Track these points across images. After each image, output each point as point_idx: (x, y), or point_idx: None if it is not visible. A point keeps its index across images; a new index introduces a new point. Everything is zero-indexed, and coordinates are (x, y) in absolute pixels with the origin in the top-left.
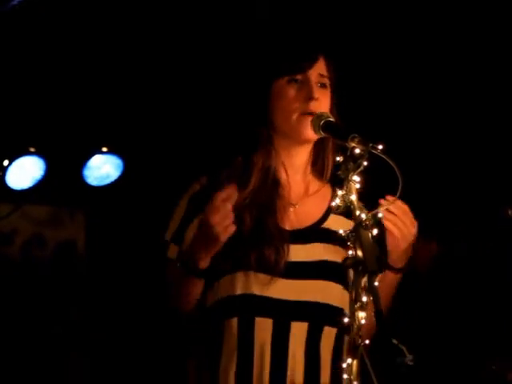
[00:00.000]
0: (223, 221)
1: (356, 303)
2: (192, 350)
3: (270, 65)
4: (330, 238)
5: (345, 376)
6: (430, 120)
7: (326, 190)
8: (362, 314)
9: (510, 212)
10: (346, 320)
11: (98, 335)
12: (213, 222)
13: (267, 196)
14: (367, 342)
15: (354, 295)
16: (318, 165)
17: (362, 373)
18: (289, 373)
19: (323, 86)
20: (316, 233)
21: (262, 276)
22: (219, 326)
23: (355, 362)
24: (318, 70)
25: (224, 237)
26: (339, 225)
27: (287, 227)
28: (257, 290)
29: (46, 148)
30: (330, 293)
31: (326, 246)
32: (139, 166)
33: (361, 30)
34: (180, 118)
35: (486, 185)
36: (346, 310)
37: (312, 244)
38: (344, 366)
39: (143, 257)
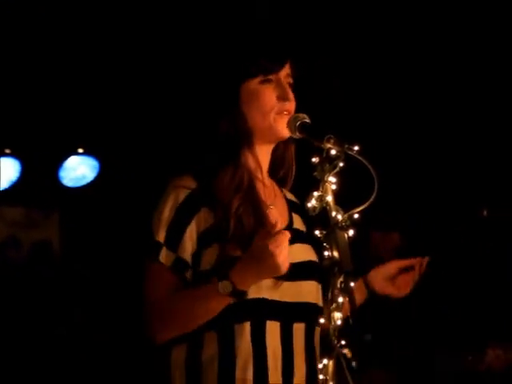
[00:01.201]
0: (285, 252)
1: (332, 304)
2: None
3: (243, 65)
4: (303, 238)
5: (321, 376)
6: (404, 119)
7: (276, 187)
8: (337, 315)
9: (485, 212)
10: (321, 321)
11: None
12: (277, 254)
13: (255, 198)
14: (343, 342)
15: (330, 296)
16: (279, 168)
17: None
18: (295, 375)
19: (290, 85)
20: (292, 233)
21: (269, 279)
22: (229, 330)
23: (331, 362)
24: (287, 70)
25: (285, 269)
26: (300, 225)
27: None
28: (267, 294)
29: (22, 149)
30: (317, 292)
31: (303, 246)
32: (115, 167)
33: (324, 27)
34: (155, 119)
35: (455, 183)
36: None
37: (294, 245)
38: (320, 366)
39: (118, 257)
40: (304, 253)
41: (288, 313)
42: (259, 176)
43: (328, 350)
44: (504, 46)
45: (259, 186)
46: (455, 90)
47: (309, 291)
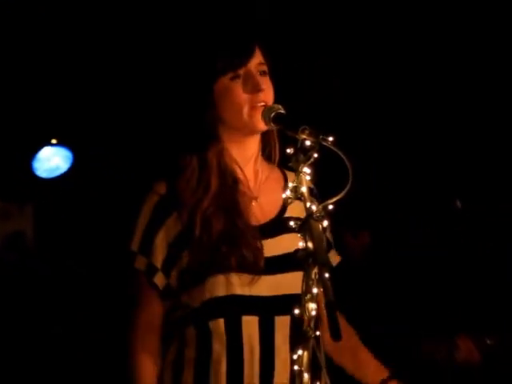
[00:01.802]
0: None
1: (306, 295)
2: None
3: (210, 65)
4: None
5: (295, 367)
6: (379, 112)
7: (277, 174)
8: (312, 306)
9: (458, 203)
10: (296, 311)
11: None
12: None
13: (230, 195)
14: (318, 333)
15: (304, 287)
16: (266, 151)
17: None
18: (276, 369)
19: (264, 73)
20: (280, 224)
21: (243, 276)
22: (205, 328)
23: (306, 353)
24: (257, 59)
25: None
26: (298, 211)
27: (254, 223)
28: (239, 290)
29: None
30: None
31: (291, 236)
32: (89, 158)
33: (324, 27)
34: (129, 110)
35: (437, 177)
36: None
37: (280, 236)
38: (295, 357)
39: (92, 247)
40: (290, 244)
41: (268, 306)
42: (239, 171)
43: (303, 341)
44: (495, 45)
45: (240, 180)
46: (446, 87)
47: (293, 283)
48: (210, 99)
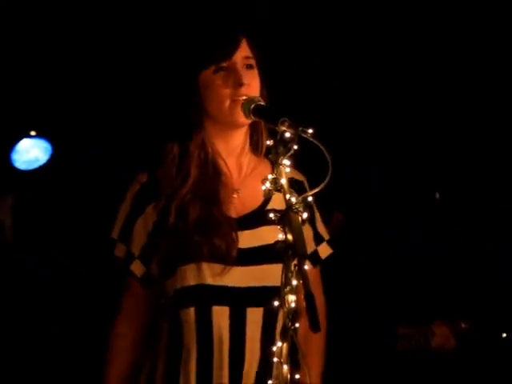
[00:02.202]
0: None
1: (286, 287)
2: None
3: (194, 57)
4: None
5: (275, 359)
6: (379, 112)
7: (264, 166)
8: (291, 298)
9: (437, 195)
10: (276, 303)
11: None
12: None
13: (210, 186)
14: (297, 325)
15: (283, 279)
16: (253, 143)
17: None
18: (247, 359)
19: (250, 67)
20: (262, 216)
21: (215, 266)
22: (177, 317)
23: (285, 345)
24: (243, 52)
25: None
26: (282, 203)
27: (233, 215)
28: (210, 280)
29: None
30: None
31: (271, 228)
32: (68, 149)
33: (324, 27)
34: (110, 100)
35: (416, 169)
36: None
37: (259, 228)
38: (274, 349)
39: (71, 239)
40: (270, 236)
41: (239, 298)
42: (222, 162)
43: (282, 333)
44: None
45: (223, 171)
46: (446, 87)
47: (268, 275)
48: (195, 91)
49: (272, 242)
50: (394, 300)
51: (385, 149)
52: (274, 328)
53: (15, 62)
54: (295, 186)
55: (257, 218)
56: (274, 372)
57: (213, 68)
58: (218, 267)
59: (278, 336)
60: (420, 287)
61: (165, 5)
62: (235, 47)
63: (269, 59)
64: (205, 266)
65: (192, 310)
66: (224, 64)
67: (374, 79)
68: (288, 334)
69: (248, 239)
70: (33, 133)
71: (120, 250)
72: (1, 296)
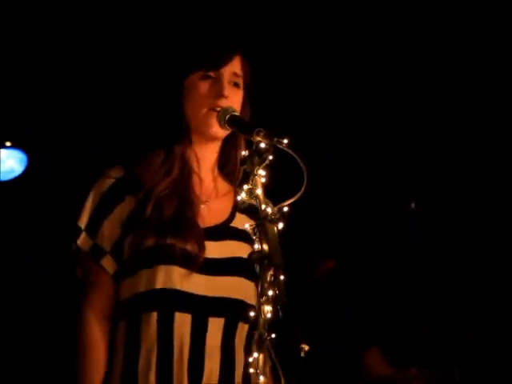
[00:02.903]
0: None
1: (262, 297)
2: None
3: (185, 59)
4: (239, 236)
5: (251, 370)
6: (379, 112)
7: (231, 191)
8: (267, 308)
9: (412, 204)
10: (252, 314)
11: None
12: None
13: (185, 188)
14: (273, 335)
15: (259, 289)
16: (226, 167)
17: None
18: (206, 368)
19: (236, 85)
20: (226, 231)
21: (182, 270)
22: (136, 319)
23: (261, 356)
24: (233, 68)
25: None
26: (244, 223)
27: (200, 224)
28: (178, 285)
29: None
30: (243, 289)
31: (237, 243)
32: (43, 160)
33: (324, 27)
34: (86, 110)
35: (390, 178)
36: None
37: (224, 241)
38: (250, 360)
39: (46, 250)
40: (234, 250)
41: (202, 306)
42: (197, 171)
43: (258, 344)
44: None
45: (195, 180)
46: (446, 86)
47: (231, 287)
48: (177, 92)
49: (237, 255)
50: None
51: (384, 148)
52: (234, 338)
53: None
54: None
55: (222, 231)
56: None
57: (200, 74)
58: (185, 272)
59: (254, 346)
60: (420, 294)
61: (166, 5)
62: (227, 60)
63: (262, 73)
64: (174, 269)
65: (155, 315)
66: (211, 73)
67: (374, 79)
68: (264, 345)
69: (213, 250)
70: (8, 143)
71: (84, 242)
72: (1, 296)
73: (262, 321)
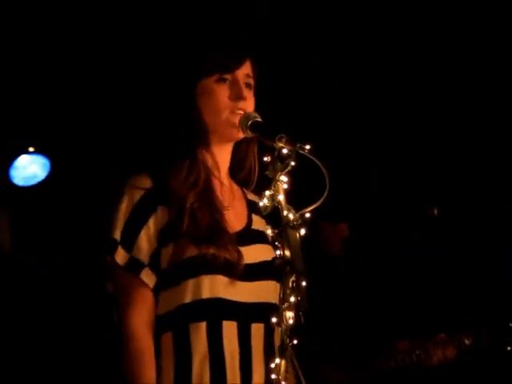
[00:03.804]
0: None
1: (284, 303)
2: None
3: (200, 63)
4: (262, 238)
5: (273, 376)
6: (379, 112)
7: (240, 191)
8: (289, 314)
9: (435, 211)
10: (274, 320)
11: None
12: None
13: (211, 196)
14: (295, 342)
15: (281, 295)
16: (240, 170)
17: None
18: (254, 374)
19: (248, 86)
20: (250, 235)
21: (225, 279)
22: (184, 330)
23: (283, 361)
24: (245, 70)
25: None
26: (261, 225)
27: (229, 230)
28: (223, 294)
29: None
30: (275, 292)
31: (263, 246)
32: (66, 165)
33: (323, 27)
34: (108, 116)
35: (413, 184)
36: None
37: (251, 246)
38: (272, 365)
39: (69, 255)
40: (262, 253)
41: (245, 313)
42: (216, 175)
43: (280, 350)
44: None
45: (216, 184)
46: (446, 86)
47: (267, 291)
48: (192, 97)
49: (266, 259)
50: (393, 311)
51: (385, 148)
52: (273, 343)
53: (14, 80)
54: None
55: (247, 235)
56: None
57: (216, 77)
58: (228, 281)
59: (276, 351)
60: (420, 294)
61: (179, 8)
62: (242, 62)
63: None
64: (218, 278)
65: (203, 325)
66: (227, 76)
67: (374, 79)
68: (286, 351)
69: (247, 255)
70: (31, 149)
71: (120, 256)
72: (1, 296)
73: (283, 327)
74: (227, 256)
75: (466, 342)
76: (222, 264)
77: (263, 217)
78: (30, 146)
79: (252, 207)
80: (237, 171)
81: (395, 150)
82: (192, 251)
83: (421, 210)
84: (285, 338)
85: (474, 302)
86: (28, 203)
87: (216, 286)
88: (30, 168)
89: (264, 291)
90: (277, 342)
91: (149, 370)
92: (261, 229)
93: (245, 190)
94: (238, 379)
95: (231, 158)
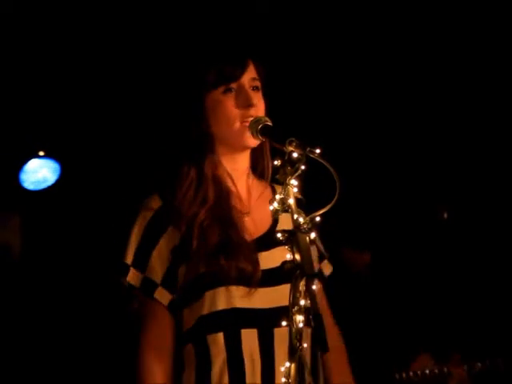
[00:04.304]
0: None
1: (294, 307)
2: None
3: (203, 78)
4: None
5: (283, 380)
6: (368, 124)
7: (268, 191)
8: (299, 318)
9: (445, 215)
10: (284, 323)
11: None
12: None
13: (225, 208)
14: (305, 345)
15: (291, 299)
16: (258, 168)
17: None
18: (276, 379)
19: (256, 88)
20: (273, 237)
21: (241, 288)
22: (203, 341)
23: (293, 365)
24: (250, 74)
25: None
26: (289, 223)
27: (247, 237)
28: (239, 303)
29: None
30: None
31: (285, 248)
32: (76, 170)
33: (283, 29)
34: (118, 121)
35: (422, 188)
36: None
37: (274, 249)
38: (282, 369)
39: (78, 262)
40: (285, 256)
41: (266, 319)
42: (230, 183)
43: (290, 353)
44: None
45: (232, 196)
46: (445, 89)
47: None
48: (201, 112)
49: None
50: (410, 325)
51: (394, 152)
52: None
53: (24, 85)
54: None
55: (269, 239)
56: None
57: (222, 89)
58: (244, 290)
59: (286, 356)
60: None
61: (173, 24)
62: (245, 67)
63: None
64: (233, 289)
65: (221, 335)
66: (233, 85)
67: (374, 79)
68: (296, 354)
69: (266, 260)
70: (41, 153)
71: (134, 277)
72: (12, 300)
73: (294, 330)
74: (241, 266)
75: (479, 365)
76: (235, 274)
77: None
78: (41, 150)
79: None
80: (256, 168)
81: (404, 154)
82: (204, 267)
83: (431, 214)
84: (294, 341)
85: (490, 323)
86: (38, 207)
87: (231, 297)
88: (40, 172)
89: (284, 295)
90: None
91: None
92: (287, 228)
93: (276, 188)
94: (258, 383)
95: (252, 160)
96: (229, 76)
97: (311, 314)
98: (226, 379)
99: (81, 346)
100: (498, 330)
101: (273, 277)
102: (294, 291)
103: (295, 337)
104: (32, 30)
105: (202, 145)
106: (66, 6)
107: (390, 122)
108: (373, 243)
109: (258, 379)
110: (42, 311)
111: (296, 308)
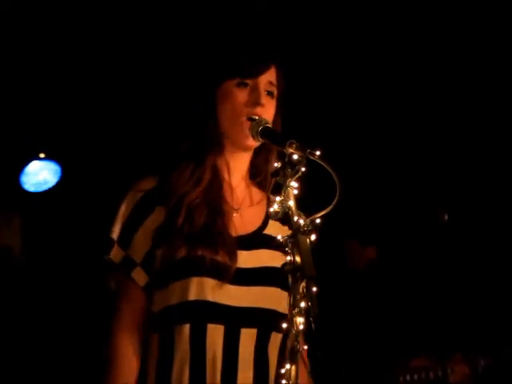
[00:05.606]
0: None
1: (294, 309)
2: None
3: (222, 65)
4: (273, 244)
5: (283, 382)
6: (369, 125)
7: (261, 195)
8: (300, 320)
9: (445, 217)
10: (284, 325)
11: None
12: None
13: (216, 197)
14: (305, 347)
15: (292, 301)
16: (258, 175)
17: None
18: (239, 379)
19: (270, 94)
20: (259, 239)
21: (213, 282)
22: (169, 332)
23: (294, 367)
24: (269, 77)
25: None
26: (277, 231)
27: (233, 233)
28: (210, 297)
29: None
30: (276, 299)
31: (270, 252)
32: (77, 172)
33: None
34: (119, 123)
35: (422, 190)
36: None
37: (257, 250)
38: (282, 371)
39: (79, 263)
40: (269, 259)
41: (235, 317)
42: (227, 179)
43: (291, 355)
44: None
45: (226, 189)
46: (444, 90)
47: (268, 297)
48: (212, 99)
49: (270, 264)
50: (410, 326)
51: (394, 154)
52: (267, 349)
53: (25, 87)
54: None
55: (255, 240)
56: None
57: (236, 81)
58: (216, 284)
59: (287, 357)
60: (436, 309)
61: (206, 12)
62: (265, 69)
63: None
64: (205, 281)
65: (187, 327)
66: (249, 81)
67: (374, 80)
68: (297, 357)
69: (245, 259)
70: (42, 155)
71: (116, 254)
72: (12, 300)
73: (294, 332)
74: (218, 259)
75: (482, 363)
76: (211, 266)
77: (284, 224)
78: (41, 152)
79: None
80: (255, 177)
81: (405, 156)
82: (182, 252)
83: (431, 216)
84: (295, 343)
85: (491, 321)
86: (39, 209)
87: (204, 289)
88: (40, 174)
89: (262, 297)
90: (272, 348)
91: (119, 382)
92: (274, 235)
93: (271, 197)
94: (218, 382)
95: (251, 164)
96: (247, 70)
97: (311, 316)
98: (186, 373)
99: (81, 346)
100: (498, 330)
101: (248, 277)
102: (294, 293)
103: (296, 339)
104: (32, 31)
105: (208, 132)
106: (66, 6)
107: (390, 122)
108: (380, 238)
109: (218, 377)
110: (42, 312)
111: (296, 310)
